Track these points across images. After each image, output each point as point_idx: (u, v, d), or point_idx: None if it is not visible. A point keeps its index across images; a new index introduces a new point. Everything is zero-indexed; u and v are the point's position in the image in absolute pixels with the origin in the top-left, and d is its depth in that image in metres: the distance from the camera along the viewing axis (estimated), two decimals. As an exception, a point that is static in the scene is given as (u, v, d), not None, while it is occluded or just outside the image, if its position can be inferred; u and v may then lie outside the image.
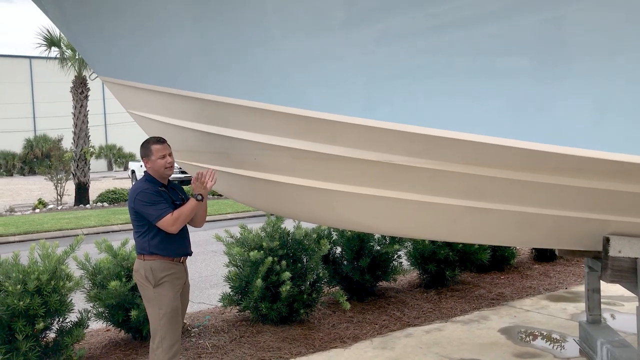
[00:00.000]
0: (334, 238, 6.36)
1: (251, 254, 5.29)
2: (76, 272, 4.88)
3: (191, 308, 6.51)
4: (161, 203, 3.67)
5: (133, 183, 27.03)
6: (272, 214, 5.64)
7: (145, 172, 3.92)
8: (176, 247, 3.80)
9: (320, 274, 5.80)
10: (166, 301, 3.71)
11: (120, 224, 14.16)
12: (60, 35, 18.66)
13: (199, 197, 3.72)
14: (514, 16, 3.08)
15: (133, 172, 27.62)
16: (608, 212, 3.64)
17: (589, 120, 3.12)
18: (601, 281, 4.40)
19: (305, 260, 5.67)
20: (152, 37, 4.03)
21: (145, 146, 3.82)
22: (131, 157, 41.58)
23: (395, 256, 6.58)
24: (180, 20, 3.84)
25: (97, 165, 39.73)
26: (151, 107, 4.51)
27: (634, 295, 3.84)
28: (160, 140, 3.83)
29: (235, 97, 3.79)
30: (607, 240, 3.79)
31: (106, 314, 5.05)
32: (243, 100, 3.76)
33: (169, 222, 3.64)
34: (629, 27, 2.95)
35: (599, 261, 3.97)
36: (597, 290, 4.81)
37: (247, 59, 3.69)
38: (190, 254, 3.94)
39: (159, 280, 3.71)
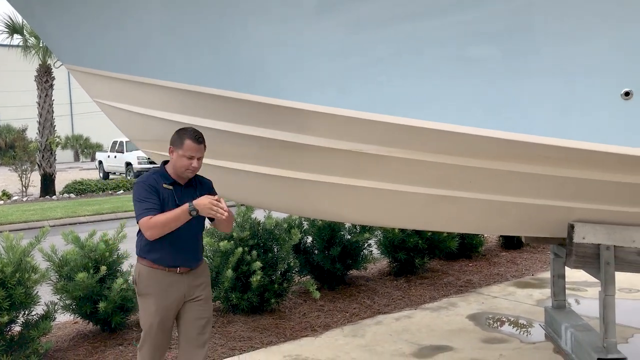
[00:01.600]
0: (304, 227, 6.36)
1: (221, 244, 5.27)
2: (42, 264, 4.79)
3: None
4: (148, 201, 3.12)
5: (101, 175, 26.67)
6: (242, 204, 5.62)
7: (162, 162, 3.37)
8: (169, 254, 3.19)
9: (291, 264, 5.81)
10: (145, 316, 3.24)
11: (88, 215, 13.94)
12: (23, 22, 18.18)
13: (193, 212, 3.03)
14: (484, 4, 3.11)
15: (100, 162, 27.21)
16: (573, 199, 3.72)
17: (556, 108, 3.18)
18: (566, 267, 4.50)
19: (276, 250, 5.66)
20: (118, 22, 3.95)
21: (180, 135, 3.22)
22: (98, 147, 40.89)
23: (366, 245, 6.62)
24: (147, 4, 3.77)
25: (63, 155, 38.96)
26: (117, 95, 4.43)
27: (597, 281, 3.94)
28: (198, 139, 3.21)
29: (204, 85, 3.75)
30: (571, 227, 3.87)
31: (74, 306, 4.97)
32: (212, 89, 3.72)
33: (143, 225, 3.10)
34: (596, 17, 3.01)
35: (564, 248, 4.07)
36: (562, 276, 4.93)
37: (217, 45, 3.65)
38: (191, 266, 3.29)
39: (143, 289, 3.23)
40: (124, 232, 5.19)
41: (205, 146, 3.27)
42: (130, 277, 3.47)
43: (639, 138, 3.05)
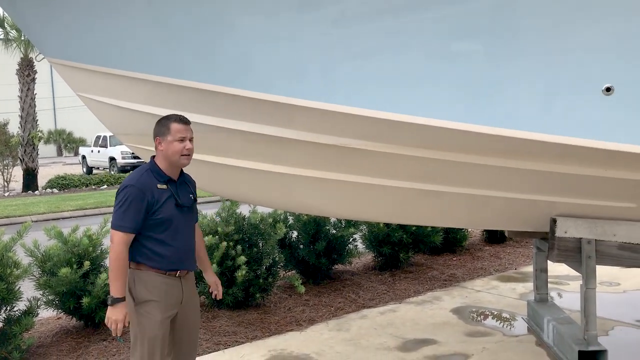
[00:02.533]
0: (290, 222, 6.36)
1: (205, 239, 5.25)
2: (24, 260, 4.75)
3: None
4: (130, 215, 2.89)
5: (84, 169, 26.43)
6: (227, 199, 5.60)
7: (152, 158, 3.11)
8: (170, 257, 3.01)
9: (276, 258, 5.81)
10: (149, 325, 2.95)
11: (71, 210, 13.83)
12: (4, 15, 17.94)
13: (109, 302, 2.90)
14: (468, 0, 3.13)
15: (84, 157, 26.94)
16: (555, 193, 3.76)
17: (538, 104, 3.21)
18: (548, 261, 4.55)
19: (261, 244, 5.66)
20: (101, 15, 3.91)
21: (163, 123, 3.04)
22: (82, 142, 40.50)
23: (351, 239, 6.64)
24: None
25: (46, 150, 38.53)
26: (101, 89, 4.39)
27: (579, 275, 3.99)
28: (183, 120, 3.05)
29: (188, 78, 3.73)
30: (554, 221, 3.92)
31: (57, 302, 4.93)
32: (196, 83, 3.71)
33: (112, 239, 2.91)
34: (578, 12, 3.04)
35: (547, 242, 4.11)
36: (545, 270, 4.98)
37: (201, 39, 3.63)
38: (191, 268, 3.16)
39: (144, 297, 2.97)
40: (107, 226, 5.15)
41: (191, 128, 3.11)
42: None
43: (620, 133, 3.10)
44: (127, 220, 2.91)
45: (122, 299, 2.92)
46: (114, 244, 2.91)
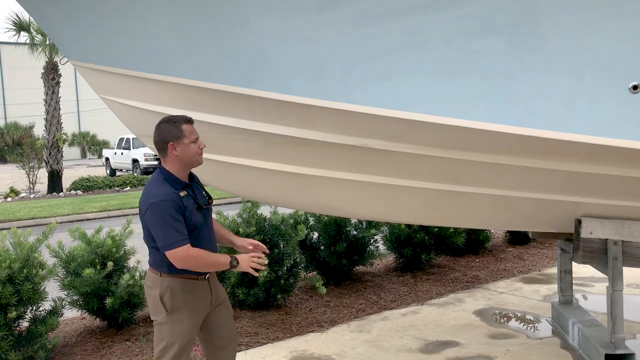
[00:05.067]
0: (310, 223, 6.36)
1: (228, 239, 5.27)
2: (49, 261, 4.81)
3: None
4: (179, 227, 2.83)
5: (107, 171, 26.75)
6: (247, 200, 5.62)
7: (160, 167, 3.01)
8: None
9: (297, 259, 5.81)
10: (180, 331, 2.94)
11: (95, 212, 13.99)
12: (30, 19, 18.24)
13: (234, 266, 2.94)
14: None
15: (107, 159, 27.28)
16: (580, 194, 3.70)
17: (562, 102, 3.16)
18: (573, 263, 4.48)
19: (282, 245, 5.67)
20: (125, 20, 3.95)
21: (173, 127, 2.95)
22: (105, 144, 41.05)
23: (372, 241, 6.61)
24: (153, 1, 3.77)
25: (70, 152, 39.19)
26: (124, 92, 4.44)
27: (604, 276, 3.92)
28: (190, 120, 3.00)
29: (210, 80, 3.75)
30: (579, 222, 3.86)
31: (81, 302, 4.99)
32: (216, 84, 3.72)
33: (179, 257, 2.82)
34: (603, 10, 2.98)
35: (571, 243, 4.05)
36: (569, 272, 4.91)
37: (222, 41, 3.65)
38: None
39: (177, 305, 2.94)
40: (130, 227, 5.21)
41: None
42: (147, 296, 3.09)
43: (645, 132, 3.03)
44: (180, 231, 2.84)
45: (234, 260, 2.93)
46: (184, 259, 2.84)
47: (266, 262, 3.00)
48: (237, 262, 2.94)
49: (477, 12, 3.11)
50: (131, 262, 5.28)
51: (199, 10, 3.63)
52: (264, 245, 3.27)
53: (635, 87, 2.94)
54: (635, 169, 3.33)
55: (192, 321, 2.98)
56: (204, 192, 3.15)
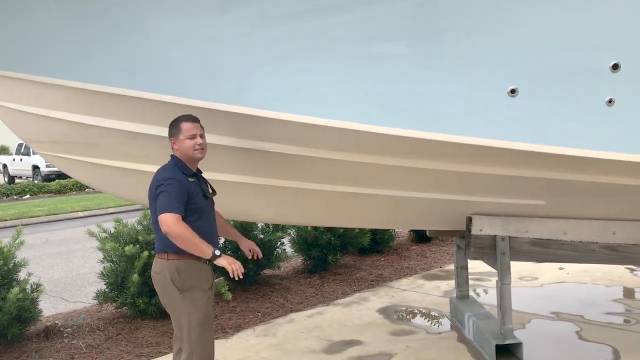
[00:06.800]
0: (216, 228, 6.27)
1: (126, 248, 5.10)
2: None
3: (66, 307, 6.18)
4: (178, 200, 3.09)
5: (5, 179, 25.17)
6: (148, 207, 5.47)
7: (172, 156, 3.35)
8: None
9: (202, 265, 5.70)
10: (197, 306, 3.21)
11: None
12: None
13: (215, 258, 3.08)
14: (389, 1, 3.17)
15: (5, 166, 25.69)
16: (471, 193, 3.88)
17: (461, 104, 3.28)
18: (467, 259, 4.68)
19: (185, 251, 5.55)
20: (9, 17, 3.73)
21: (174, 124, 3.29)
22: (3, 150, 38.56)
23: (279, 243, 6.62)
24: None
25: (-39, 159, 36.46)
26: (13, 96, 4.19)
27: (496, 271, 4.12)
28: (191, 118, 3.29)
29: (105, 84, 3.61)
30: (470, 220, 4.05)
31: None
32: (113, 88, 3.60)
33: (169, 221, 3.02)
34: (491, 15, 3.14)
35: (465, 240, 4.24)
36: (465, 268, 5.13)
37: (118, 42, 3.52)
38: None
39: (188, 283, 3.20)
40: (20, 238, 4.92)
41: (201, 125, 3.31)
42: (156, 283, 3.30)
43: (526, 133, 3.22)
44: (179, 203, 3.10)
45: (218, 250, 3.08)
46: (173, 225, 3.03)
47: (242, 271, 3.11)
48: (220, 256, 3.09)
49: (377, 14, 3.16)
50: (21, 274, 4.97)
51: (92, 8, 3.49)
52: (259, 252, 3.80)
53: (512, 91, 3.11)
54: (519, 168, 3.53)
55: (205, 296, 3.25)
56: (208, 185, 3.43)
